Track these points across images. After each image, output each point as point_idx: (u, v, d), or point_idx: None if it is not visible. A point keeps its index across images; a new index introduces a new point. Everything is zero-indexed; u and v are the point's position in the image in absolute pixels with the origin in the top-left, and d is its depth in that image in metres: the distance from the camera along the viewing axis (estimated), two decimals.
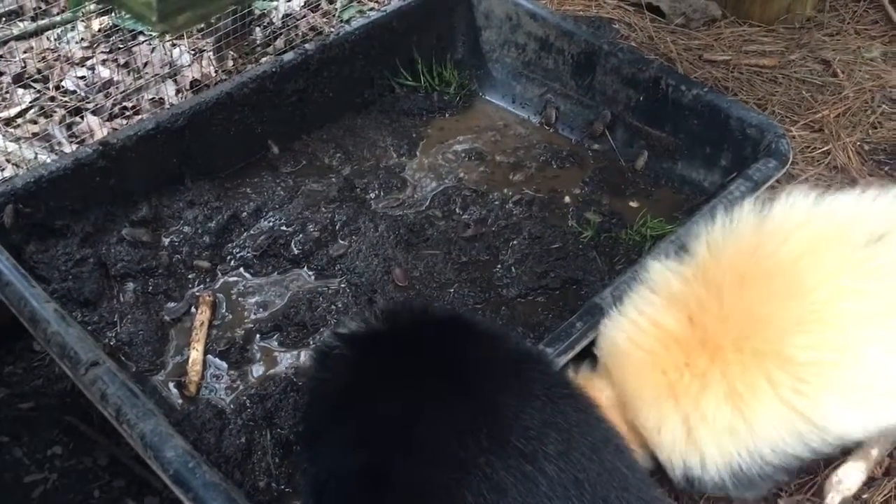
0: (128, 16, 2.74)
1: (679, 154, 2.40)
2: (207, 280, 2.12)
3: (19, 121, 2.65)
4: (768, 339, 1.52)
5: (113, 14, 2.93)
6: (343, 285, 2.11)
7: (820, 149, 2.64)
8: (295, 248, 2.18)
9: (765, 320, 1.53)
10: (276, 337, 2.01)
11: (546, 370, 1.37)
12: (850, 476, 1.76)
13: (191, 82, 2.81)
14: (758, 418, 1.50)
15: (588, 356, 1.78)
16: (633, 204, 2.38)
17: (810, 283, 1.54)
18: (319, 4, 3.20)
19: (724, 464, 1.54)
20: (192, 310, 2.04)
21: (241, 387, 1.91)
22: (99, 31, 2.98)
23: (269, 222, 2.23)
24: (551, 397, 1.24)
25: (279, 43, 3.01)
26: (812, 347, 1.50)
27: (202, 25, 2.81)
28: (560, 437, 1.17)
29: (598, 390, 1.67)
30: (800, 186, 1.74)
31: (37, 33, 2.93)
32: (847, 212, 1.64)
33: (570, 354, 1.71)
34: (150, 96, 2.76)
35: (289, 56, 2.40)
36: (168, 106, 2.67)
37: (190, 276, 2.12)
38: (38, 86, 2.77)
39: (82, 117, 2.65)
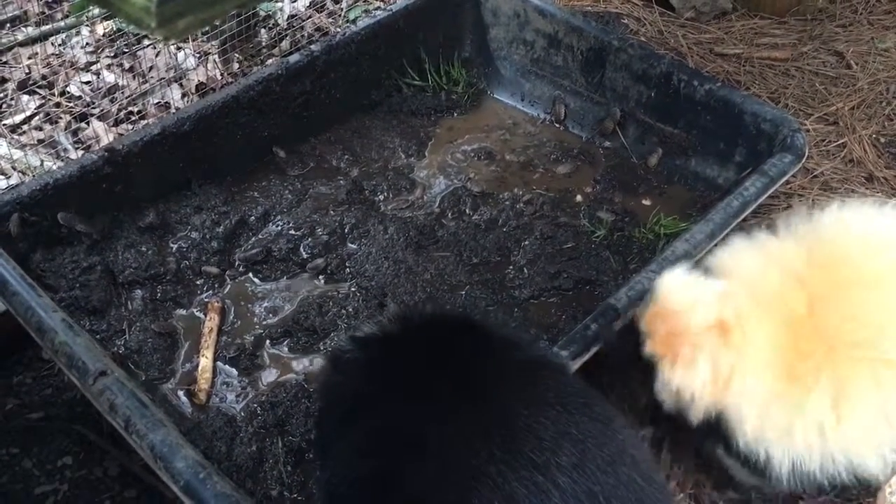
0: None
1: (692, 150, 2.37)
2: (216, 286, 2.09)
3: (25, 127, 2.63)
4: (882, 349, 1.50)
5: (116, 18, 2.91)
6: (353, 289, 2.08)
7: (835, 142, 2.60)
8: (304, 252, 2.15)
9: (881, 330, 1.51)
10: (286, 343, 1.99)
11: (562, 378, 1.34)
12: None
13: (196, 86, 2.79)
14: (852, 426, 1.49)
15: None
16: (646, 202, 2.34)
17: None
18: (325, 5, 3.17)
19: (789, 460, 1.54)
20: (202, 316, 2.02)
21: (251, 394, 1.89)
22: (103, 35, 2.97)
23: (277, 226, 2.21)
24: (566, 406, 1.21)
25: (285, 44, 2.98)
26: None
27: (206, 28, 2.79)
28: (574, 449, 1.15)
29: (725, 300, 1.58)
30: None
31: (41, 39, 2.92)
32: None
33: (585, 357, 1.68)
34: (156, 101, 2.74)
35: (294, 57, 2.38)
36: (174, 110, 2.65)
37: (198, 283, 2.09)
38: (43, 92, 2.75)
39: (88, 123, 2.63)
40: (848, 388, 1.49)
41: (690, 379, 1.55)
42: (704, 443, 1.70)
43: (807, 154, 2.15)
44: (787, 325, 1.53)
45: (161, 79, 2.80)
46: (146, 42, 2.89)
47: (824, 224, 1.63)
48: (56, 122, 2.65)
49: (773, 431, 1.54)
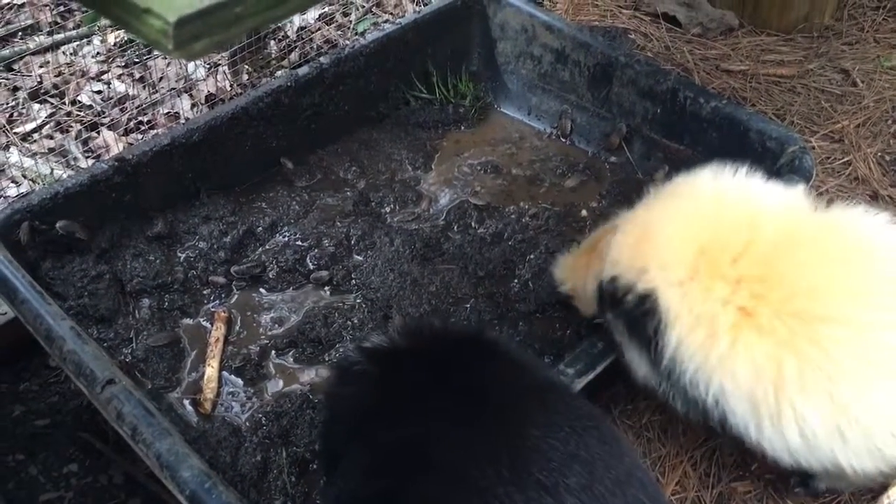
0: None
1: (697, 167, 2.37)
2: (223, 296, 2.11)
3: (35, 136, 2.66)
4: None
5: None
6: (359, 301, 2.09)
7: (840, 160, 2.60)
8: (310, 263, 2.17)
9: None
10: (291, 353, 2.00)
11: (570, 400, 1.34)
12: None
13: (206, 96, 2.81)
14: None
15: None
16: None
17: None
18: (334, 17, 3.20)
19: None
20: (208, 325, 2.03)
21: (256, 404, 1.90)
22: (115, 45, 2.99)
23: (284, 237, 2.23)
24: (575, 428, 1.21)
25: (294, 56, 3.00)
26: None
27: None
28: (583, 470, 1.15)
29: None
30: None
31: (53, 48, 2.95)
32: None
33: (591, 375, 1.68)
34: (166, 110, 2.76)
35: (304, 70, 2.40)
36: (183, 120, 2.67)
37: (205, 292, 2.11)
38: (54, 101, 2.78)
39: (98, 132, 2.66)
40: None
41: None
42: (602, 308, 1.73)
43: (814, 176, 2.15)
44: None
45: (171, 89, 2.82)
46: (156, 52, 2.91)
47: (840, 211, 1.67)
48: (67, 131, 2.68)
49: (681, 317, 1.52)
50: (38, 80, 2.82)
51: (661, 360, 1.55)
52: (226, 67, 2.89)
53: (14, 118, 2.71)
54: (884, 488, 1.72)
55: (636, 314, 1.58)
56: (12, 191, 2.46)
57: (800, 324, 1.46)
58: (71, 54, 2.96)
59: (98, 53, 2.96)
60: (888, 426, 1.45)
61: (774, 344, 1.46)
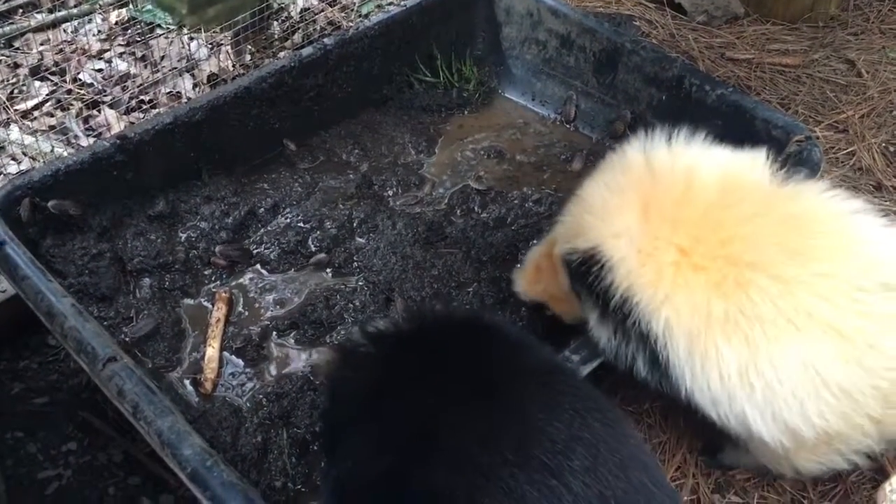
0: (148, 7, 2.71)
1: None
2: (224, 276, 2.10)
3: (36, 113, 2.64)
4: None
5: (131, 5, 2.91)
6: (360, 283, 2.08)
7: (844, 150, 2.60)
8: (312, 245, 2.16)
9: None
10: (292, 335, 1.99)
11: (574, 382, 1.34)
12: None
13: (208, 76, 2.79)
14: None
15: None
16: None
17: None
18: None
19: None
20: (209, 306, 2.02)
21: (257, 385, 1.90)
22: (116, 23, 2.97)
23: (286, 219, 2.22)
24: (579, 411, 1.22)
25: (297, 37, 2.98)
26: None
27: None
28: (587, 453, 1.16)
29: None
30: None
31: (54, 25, 2.92)
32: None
33: (595, 362, 1.68)
34: (167, 90, 2.75)
35: (307, 51, 2.38)
36: (185, 100, 2.65)
37: (206, 272, 2.10)
38: (55, 78, 2.76)
39: (99, 110, 2.64)
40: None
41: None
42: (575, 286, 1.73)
43: (822, 168, 2.12)
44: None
45: (173, 68, 2.80)
46: (159, 31, 2.89)
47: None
48: (67, 109, 2.66)
49: (628, 258, 1.55)
50: (39, 57, 2.80)
51: (610, 300, 1.57)
52: (228, 47, 2.87)
53: (14, 95, 2.69)
54: (885, 477, 1.72)
55: (586, 268, 1.61)
56: (13, 168, 2.44)
57: (730, 266, 1.51)
58: (72, 32, 2.93)
59: (99, 31, 2.94)
60: (789, 382, 1.47)
61: (707, 282, 1.51)
